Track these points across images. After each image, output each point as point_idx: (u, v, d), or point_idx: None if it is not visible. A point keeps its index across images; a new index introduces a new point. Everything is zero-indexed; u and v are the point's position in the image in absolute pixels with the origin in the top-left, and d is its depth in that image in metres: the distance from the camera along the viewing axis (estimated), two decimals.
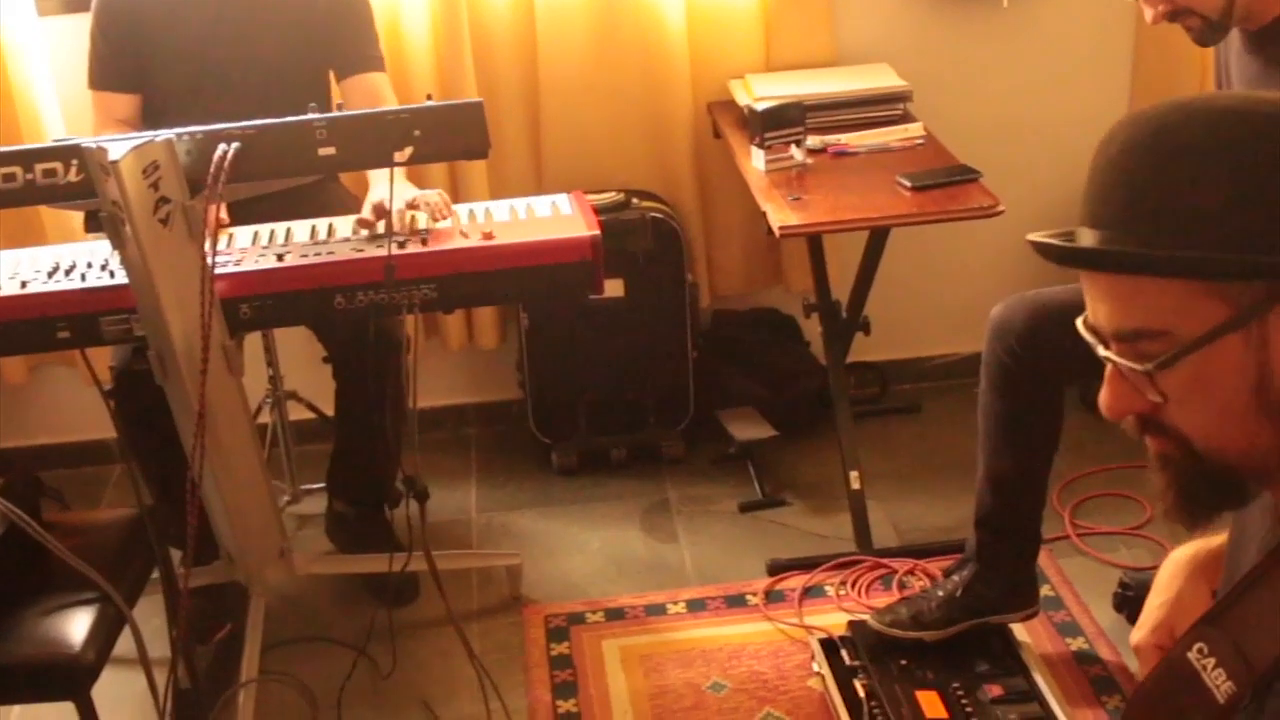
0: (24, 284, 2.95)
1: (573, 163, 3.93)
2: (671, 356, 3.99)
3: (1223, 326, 1.26)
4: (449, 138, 2.74)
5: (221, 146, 2.69)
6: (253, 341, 3.72)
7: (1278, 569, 1.34)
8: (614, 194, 3.86)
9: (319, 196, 3.44)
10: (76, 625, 2.58)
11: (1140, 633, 1.60)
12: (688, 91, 3.93)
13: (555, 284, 3.00)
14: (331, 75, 3.52)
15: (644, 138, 3.99)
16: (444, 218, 3.08)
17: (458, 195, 3.82)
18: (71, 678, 2.54)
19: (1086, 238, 1.32)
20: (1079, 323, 1.39)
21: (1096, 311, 1.34)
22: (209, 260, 2.68)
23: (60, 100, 3.80)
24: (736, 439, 3.92)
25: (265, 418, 3.81)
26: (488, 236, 2.98)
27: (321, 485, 3.78)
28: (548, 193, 3.33)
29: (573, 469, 4.05)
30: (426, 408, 4.26)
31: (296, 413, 3.88)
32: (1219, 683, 1.35)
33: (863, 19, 3.96)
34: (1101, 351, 1.34)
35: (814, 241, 3.60)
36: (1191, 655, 1.38)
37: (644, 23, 3.87)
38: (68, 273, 2.98)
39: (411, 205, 3.09)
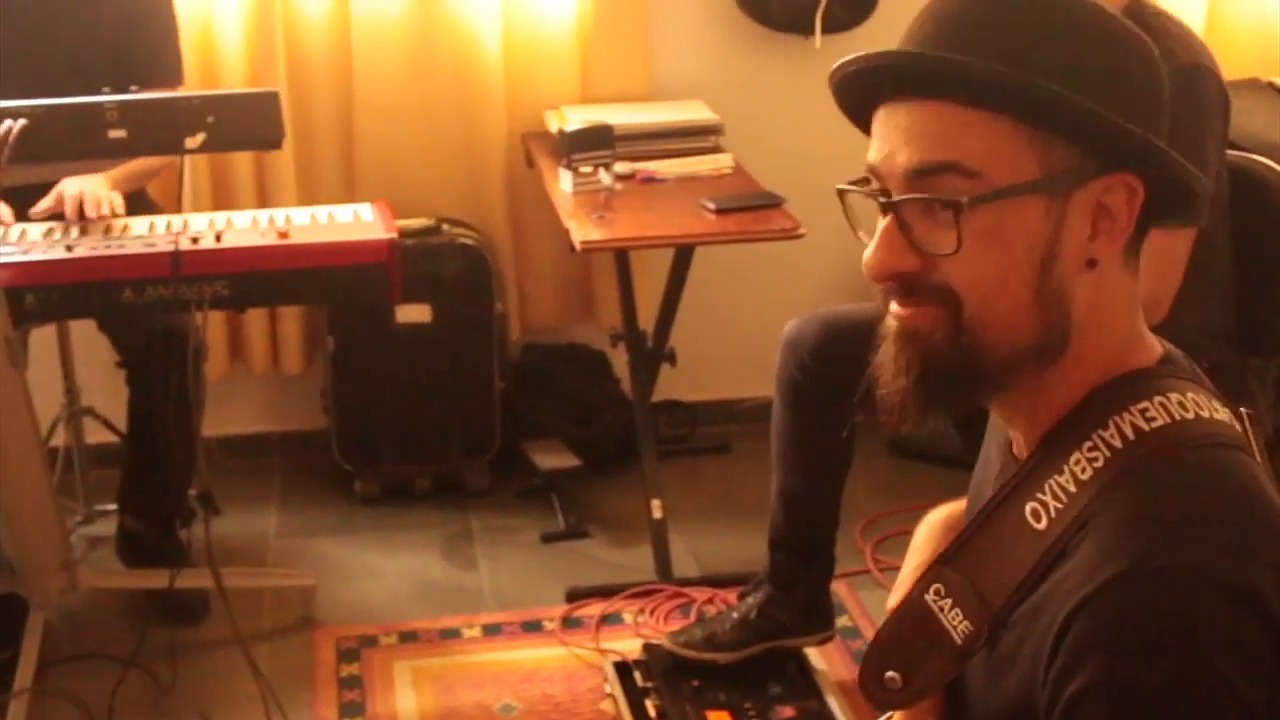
0: None
1: (386, 186, 3.89)
2: (478, 386, 3.96)
3: (1034, 183, 1.25)
4: (243, 126, 2.72)
5: (7, 122, 2.64)
6: (48, 355, 3.64)
7: (1009, 504, 1.33)
8: (424, 219, 3.84)
9: (132, 205, 3.37)
10: None
11: (895, 596, 1.57)
12: (502, 120, 3.94)
13: (350, 286, 2.98)
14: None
15: (457, 164, 3.99)
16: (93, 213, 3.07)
17: (268, 204, 3.78)
18: None
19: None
20: (844, 185, 1.36)
21: (896, 153, 1.29)
22: None
23: None
24: (540, 468, 3.90)
25: (62, 437, 3.73)
26: (283, 235, 2.95)
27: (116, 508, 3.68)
28: None
29: (375, 497, 3.99)
30: (229, 435, 4.20)
31: (96, 435, 3.79)
32: (956, 623, 1.33)
33: (678, 55, 4.01)
34: (890, 199, 1.30)
35: (622, 266, 3.61)
36: (929, 597, 1.36)
37: (460, 48, 3.87)
38: None
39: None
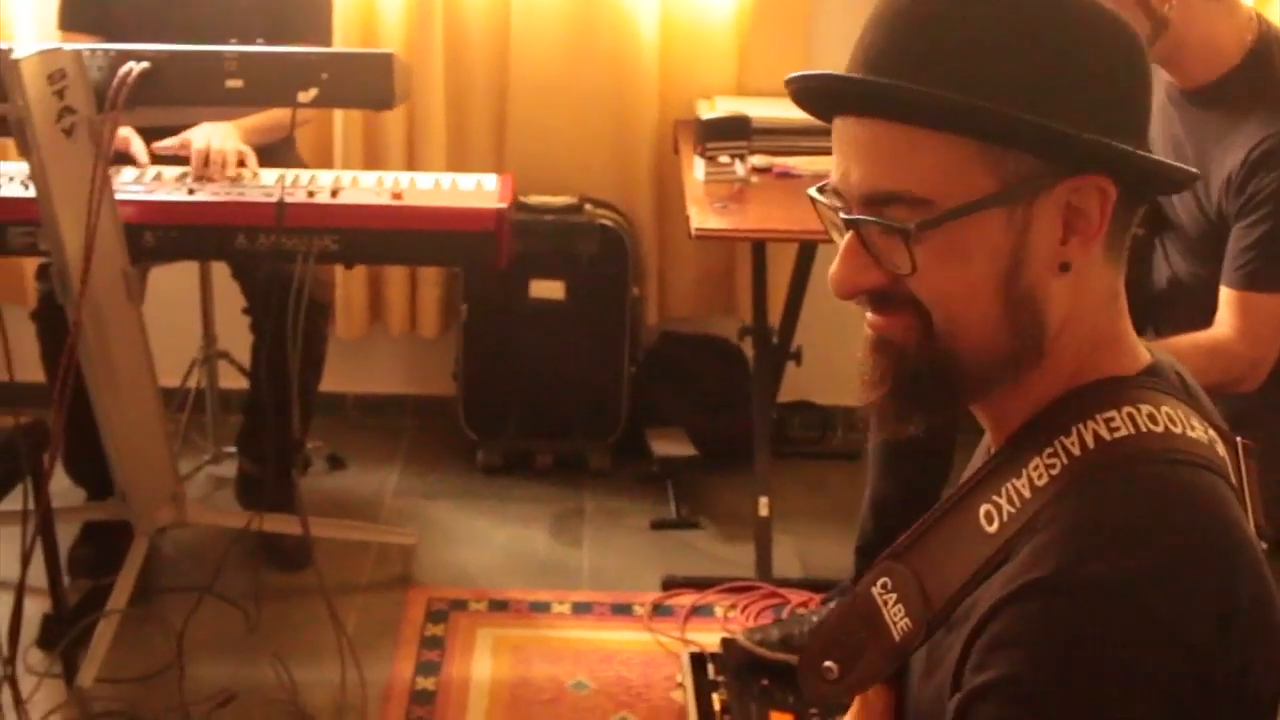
0: None
1: (534, 161, 3.95)
2: (608, 368, 3.98)
3: (988, 199, 1.21)
4: (355, 85, 2.75)
5: (130, 64, 2.73)
6: (191, 300, 3.78)
7: (966, 503, 1.29)
8: (568, 197, 3.87)
9: (276, 159, 3.46)
10: None
11: None
12: (655, 105, 3.95)
13: (455, 251, 3.03)
14: None
15: (607, 146, 4.01)
16: (223, 174, 3.13)
17: (415, 168, 3.86)
18: None
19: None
20: (813, 191, 1.34)
21: (850, 172, 1.26)
22: (99, 176, 2.70)
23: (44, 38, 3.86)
24: (656, 454, 3.89)
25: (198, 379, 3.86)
26: (396, 196, 3.01)
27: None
28: None
29: (496, 468, 4.04)
30: (364, 393, 4.31)
31: (232, 380, 3.90)
32: (897, 619, 1.30)
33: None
34: (846, 216, 1.27)
35: (756, 259, 3.59)
36: (875, 590, 1.34)
37: (619, 30, 3.89)
38: None
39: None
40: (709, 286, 4.16)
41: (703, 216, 3.23)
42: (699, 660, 3.17)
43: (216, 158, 3.12)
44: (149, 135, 3.27)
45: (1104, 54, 1.25)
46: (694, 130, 3.60)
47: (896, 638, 1.30)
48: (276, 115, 3.34)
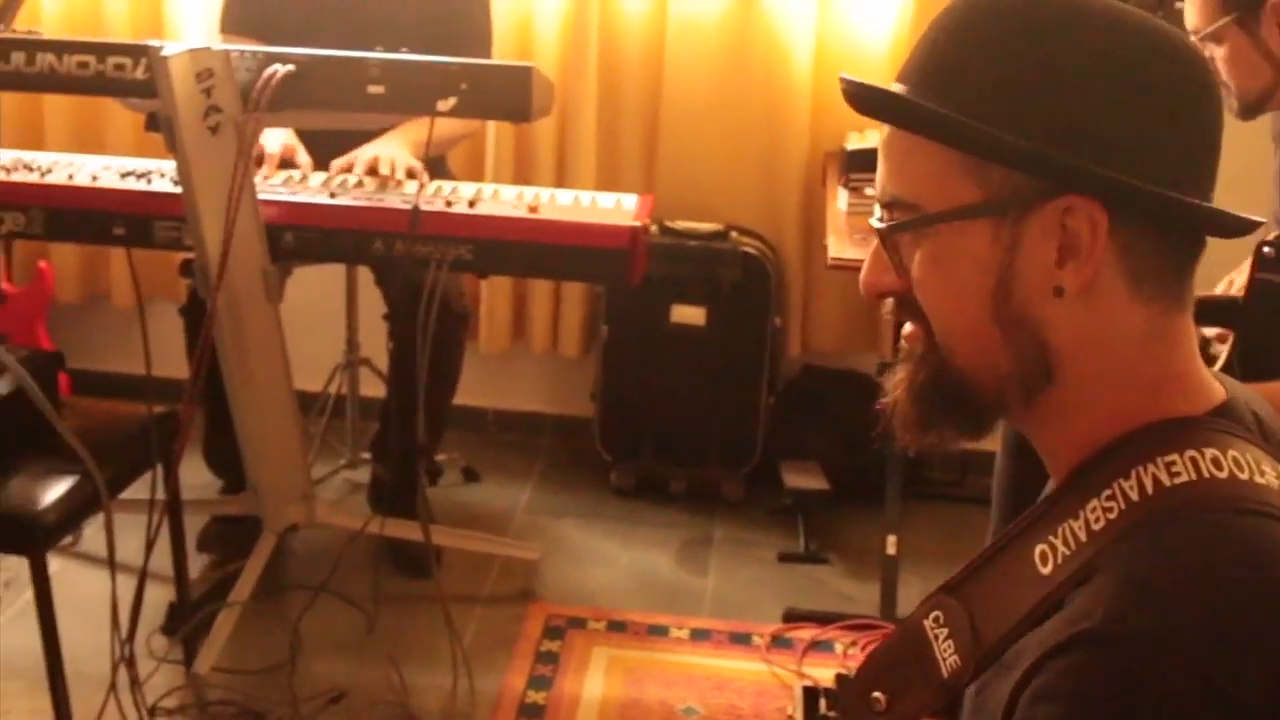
0: (94, 178, 3.10)
1: (683, 188, 3.97)
2: (746, 397, 3.97)
3: (969, 209, 1.21)
4: (494, 96, 2.77)
5: (275, 66, 2.79)
6: (336, 307, 3.85)
7: (1022, 540, 1.25)
8: (714, 224, 3.87)
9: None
10: (50, 490, 2.67)
11: None
12: (805, 135, 3.93)
13: (588, 266, 3.04)
14: None
15: (756, 174, 4.00)
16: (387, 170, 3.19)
17: (564, 184, 3.90)
18: (27, 533, 2.62)
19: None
20: None
21: (878, 174, 1.29)
22: (240, 174, 2.76)
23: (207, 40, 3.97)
24: (789, 486, 3.87)
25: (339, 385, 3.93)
26: (532, 210, 3.03)
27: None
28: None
29: (628, 491, 4.05)
30: (504, 409, 4.35)
31: (374, 388, 3.96)
32: (946, 655, 1.26)
33: None
34: (871, 219, 1.30)
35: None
36: (927, 623, 1.30)
37: (773, 59, 3.89)
38: (139, 177, 3.12)
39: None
40: (851, 321, 4.12)
41: (841, 246, 3.21)
42: (811, 694, 3.09)
43: (386, 160, 3.17)
44: (316, 145, 3.35)
45: (1135, 84, 1.21)
46: (840, 161, 3.57)
47: (945, 674, 1.27)
48: (444, 130, 3.38)
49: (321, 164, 3.32)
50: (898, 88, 1.26)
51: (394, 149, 3.32)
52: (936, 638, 1.28)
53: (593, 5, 3.86)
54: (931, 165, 1.23)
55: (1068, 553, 1.20)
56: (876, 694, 1.32)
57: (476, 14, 3.59)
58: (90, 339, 4.38)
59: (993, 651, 1.22)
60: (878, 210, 1.30)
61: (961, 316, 1.24)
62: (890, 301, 1.31)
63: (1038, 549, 1.22)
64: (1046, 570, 1.21)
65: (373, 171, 3.25)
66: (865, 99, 1.27)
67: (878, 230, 1.27)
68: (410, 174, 3.24)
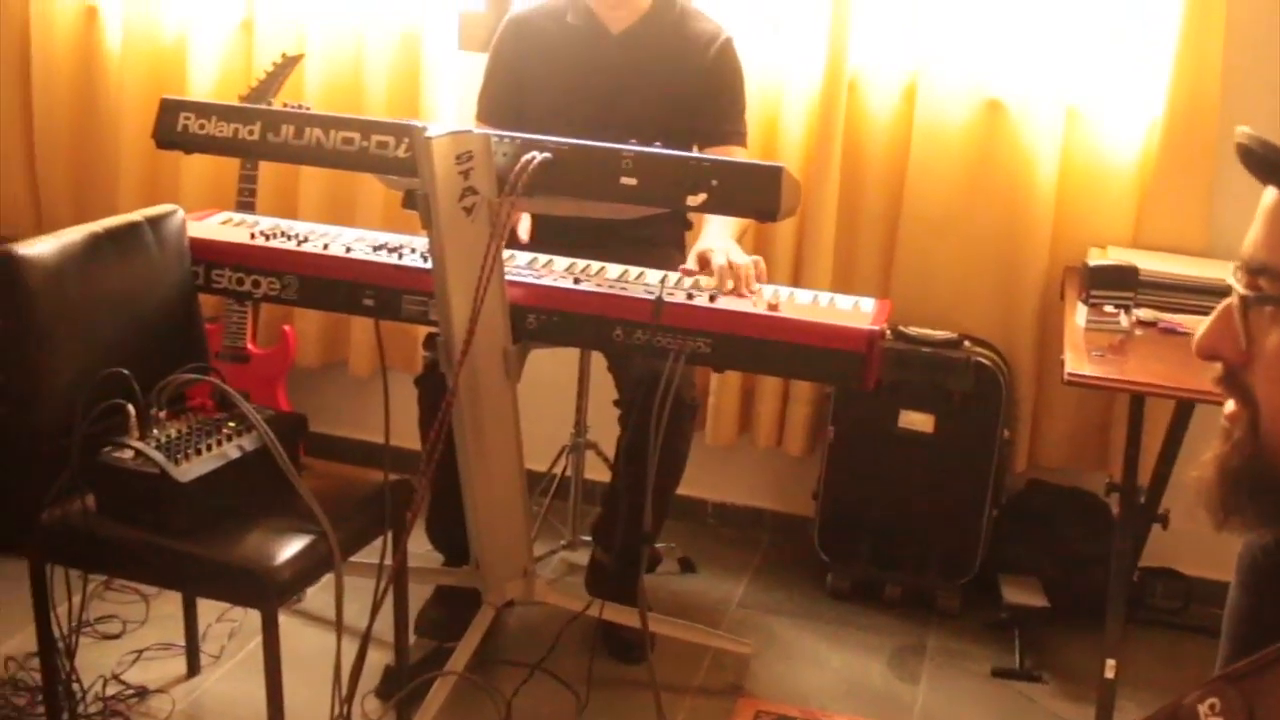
0: (348, 249, 3.21)
1: (918, 294, 3.97)
2: (969, 508, 3.93)
3: None
4: (743, 194, 2.81)
5: (532, 153, 2.87)
6: (566, 389, 3.91)
7: None
8: (948, 332, 3.86)
9: (657, 256, 3.56)
10: (286, 547, 2.76)
11: None
12: (1046, 249, 3.91)
13: (824, 368, 3.05)
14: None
15: (992, 284, 3.99)
16: (749, 288, 3.18)
17: (799, 283, 3.94)
18: (261, 588, 2.70)
19: None
20: None
21: (1251, 237, 1.25)
22: (491, 255, 2.83)
23: (457, 123, 4.08)
24: (1007, 601, 3.81)
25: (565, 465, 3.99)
26: (772, 307, 3.06)
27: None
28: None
29: (844, 593, 4.03)
30: (724, 502, 4.37)
31: (597, 472, 4.02)
32: None
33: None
34: (1229, 277, 1.26)
35: (1133, 413, 3.49)
36: (1202, 709, 1.28)
37: (1017, 172, 3.88)
38: (390, 251, 3.22)
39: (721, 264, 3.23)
40: (1081, 439, 4.07)
41: (1078, 363, 3.18)
42: None
43: (742, 273, 3.22)
44: (548, 225, 3.43)
45: None
46: (1081, 277, 3.55)
47: None
48: (741, 227, 3.46)
49: (549, 244, 3.40)
50: None
51: (736, 250, 3.33)
52: None
53: (839, 107, 3.90)
54: None
55: None
56: None
57: (734, 103, 3.65)
58: (325, 403, 4.52)
59: None
60: (1236, 273, 1.25)
61: None
62: (1217, 368, 1.27)
63: None
64: None
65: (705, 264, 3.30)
66: (1264, 158, 1.23)
67: (1239, 295, 1.22)
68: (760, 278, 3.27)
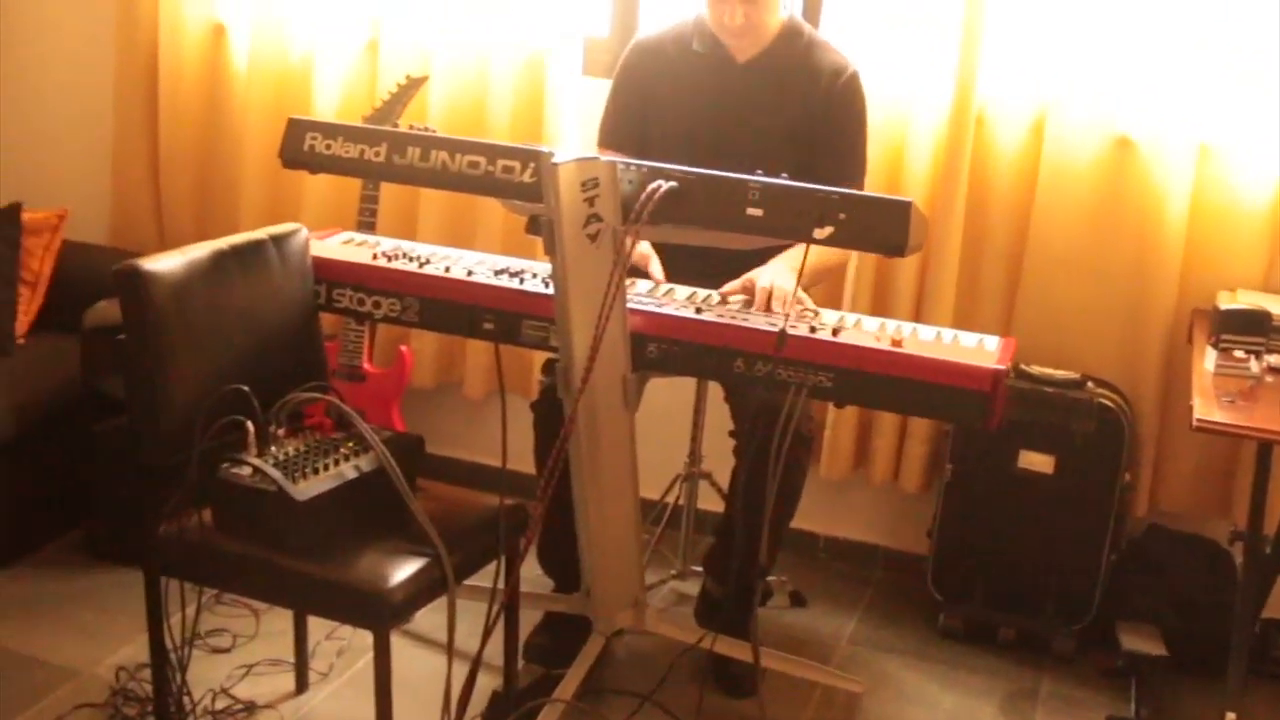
0: (469, 273, 3.21)
1: (1041, 333, 3.91)
2: (1087, 552, 3.85)
3: None
4: (871, 229, 2.77)
5: (658, 182, 2.85)
6: (681, 418, 3.89)
7: None
8: (1071, 372, 3.80)
9: None
10: (400, 569, 2.76)
11: None
12: (1174, 291, 3.83)
13: (946, 406, 2.99)
14: None
15: (1118, 326, 3.91)
16: (770, 308, 3.17)
17: (921, 318, 3.89)
18: (375, 609, 2.70)
19: None
20: None
21: None
22: (614, 282, 2.81)
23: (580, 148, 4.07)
24: (1124, 648, 3.73)
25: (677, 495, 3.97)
26: (895, 343, 3.01)
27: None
28: None
29: (956, 633, 3.96)
30: (837, 536, 4.33)
31: (710, 502, 3.99)
32: None
33: None
34: None
35: (1260, 461, 3.41)
36: None
37: (1146, 212, 3.81)
38: (512, 275, 3.22)
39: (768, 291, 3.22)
40: (1205, 484, 3.98)
41: (1207, 409, 3.10)
42: None
43: (780, 297, 3.20)
44: (672, 255, 3.41)
45: None
46: (1210, 320, 3.47)
47: None
48: (828, 259, 3.42)
49: (675, 275, 3.39)
50: None
51: (784, 279, 3.29)
52: None
53: (965, 141, 3.85)
54: None
55: None
56: None
57: (853, 141, 3.62)
58: (438, 424, 4.52)
59: None
60: None
61: None
62: None
63: None
64: None
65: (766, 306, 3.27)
66: None
67: None
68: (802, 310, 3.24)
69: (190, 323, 2.88)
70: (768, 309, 3.19)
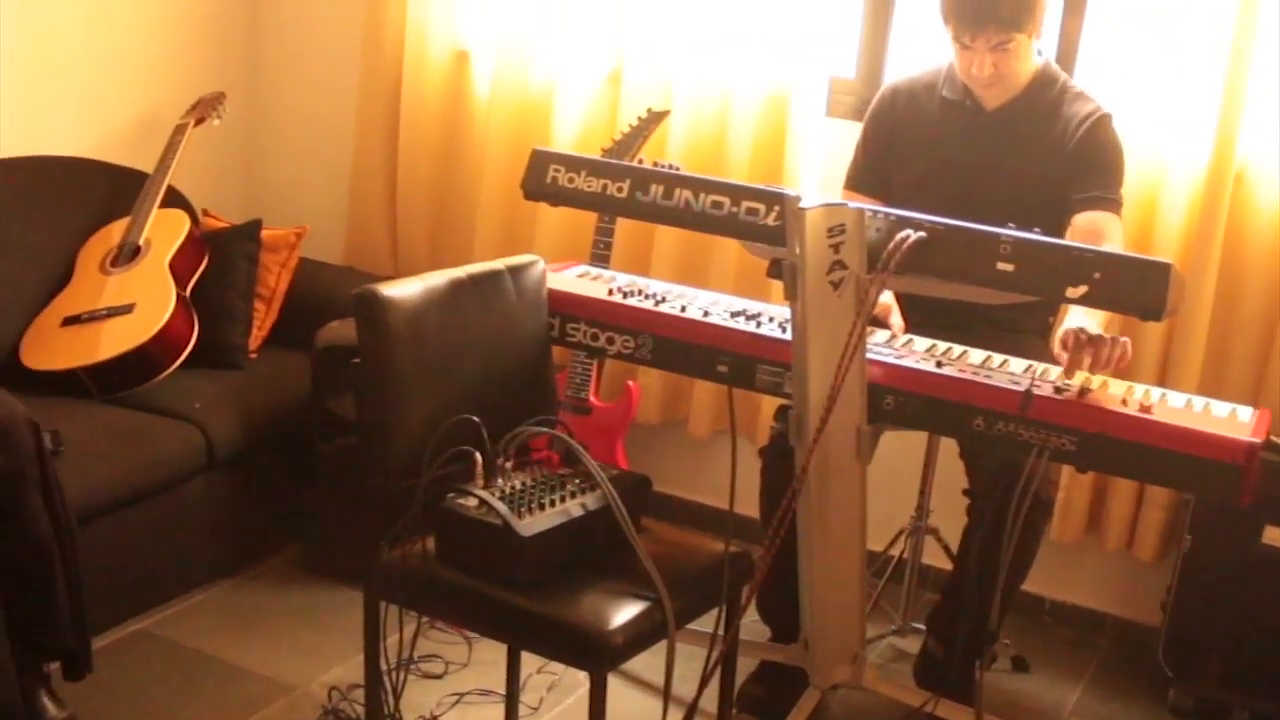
0: (705, 313, 3.16)
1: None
2: None
3: None
4: (1127, 290, 2.66)
5: (907, 231, 2.77)
6: (911, 471, 3.79)
7: None
8: None
9: (1020, 344, 3.42)
10: (621, 611, 2.70)
11: None
12: None
13: (1195, 477, 2.84)
14: None
15: None
16: (1111, 366, 3.02)
17: (1165, 384, 3.74)
18: (593, 650, 2.65)
19: None
20: None
21: None
22: (856, 332, 2.74)
23: (819, 190, 4.01)
24: None
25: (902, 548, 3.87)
26: (1145, 409, 2.88)
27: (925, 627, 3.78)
28: None
29: (1187, 712, 3.79)
30: (1064, 601, 4.19)
31: (934, 558, 3.89)
32: None
33: None
34: None
35: None
36: None
37: None
38: (749, 318, 3.16)
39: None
40: None
41: None
42: None
43: (1104, 353, 3.03)
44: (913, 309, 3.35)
45: None
46: None
47: None
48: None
49: (912, 326, 3.32)
50: None
51: (1095, 326, 3.14)
52: None
53: (1223, 199, 3.70)
54: None
55: None
56: None
57: (1102, 177, 3.47)
58: (661, 461, 4.48)
59: None
60: None
61: None
62: None
63: None
64: None
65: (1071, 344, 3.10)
66: None
67: None
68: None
69: (424, 350, 2.87)
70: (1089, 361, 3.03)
